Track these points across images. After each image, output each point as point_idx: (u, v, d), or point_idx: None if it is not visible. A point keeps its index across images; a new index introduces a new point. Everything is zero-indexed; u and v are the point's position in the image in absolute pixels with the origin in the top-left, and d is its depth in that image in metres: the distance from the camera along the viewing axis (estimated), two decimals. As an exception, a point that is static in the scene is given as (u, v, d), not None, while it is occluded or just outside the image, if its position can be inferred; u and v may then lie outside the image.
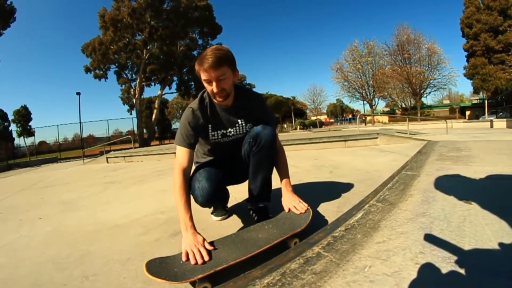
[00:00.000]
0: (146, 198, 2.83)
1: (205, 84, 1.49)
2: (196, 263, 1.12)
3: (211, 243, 1.26)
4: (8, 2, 19.44)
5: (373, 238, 1.06)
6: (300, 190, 1.89)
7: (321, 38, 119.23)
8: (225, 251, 1.20)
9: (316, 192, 2.28)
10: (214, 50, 1.44)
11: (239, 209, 2.02)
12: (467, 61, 28.93)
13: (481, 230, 1.03)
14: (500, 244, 0.93)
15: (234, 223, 1.80)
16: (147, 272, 1.06)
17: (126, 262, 1.41)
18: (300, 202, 1.58)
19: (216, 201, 1.79)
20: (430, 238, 1.00)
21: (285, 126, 49.34)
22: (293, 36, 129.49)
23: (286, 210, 1.59)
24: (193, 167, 1.63)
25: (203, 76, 1.45)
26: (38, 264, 1.49)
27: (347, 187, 2.34)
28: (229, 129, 1.66)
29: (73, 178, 5.38)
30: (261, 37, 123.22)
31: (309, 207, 1.52)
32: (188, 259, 1.15)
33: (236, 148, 1.68)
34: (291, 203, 1.59)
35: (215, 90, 1.46)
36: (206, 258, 1.15)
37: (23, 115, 21.29)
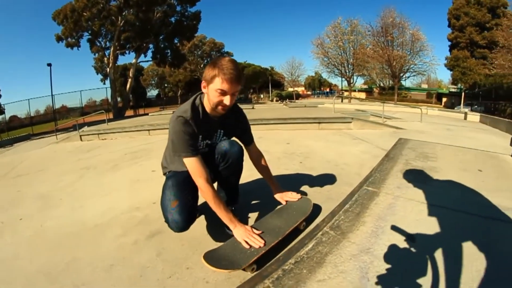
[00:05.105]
0: (121, 190, 2.89)
1: (215, 94, 1.43)
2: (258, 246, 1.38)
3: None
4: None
5: (315, 275, 1.16)
6: (268, 185, 1.97)
7: (304, 12, 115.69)
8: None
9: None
10: (236, 64, 1.43)
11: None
12: (450, 51, 29.35)
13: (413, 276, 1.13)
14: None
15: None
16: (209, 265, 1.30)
17: (109, 269, 1.52)
18: (291, 193, 1.87)
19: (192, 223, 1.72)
20: (363, 282, 1.11)
21: (262, 96, 49.06)
22: (275, 6, 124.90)
23: (283, 203, 1.85)
24: (175, 169, 1.67)
25: (221, 86, 1.39)
26: (30, 276, 1.53)
27: (315, 183, 2.51)
28: (213, 139, 1.69)
29: (47, 162, 5.27)
30: (241, 5, 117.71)
31: (301, 196, 1.89)
32: (250, 246, 1.39)
33: (210, 156, 1.69)
34: (283, 197, 1.86)
35: (227, 103, 1.44)
36: (263, 241, 1.41)
37: (-9, 93, 19.60)
